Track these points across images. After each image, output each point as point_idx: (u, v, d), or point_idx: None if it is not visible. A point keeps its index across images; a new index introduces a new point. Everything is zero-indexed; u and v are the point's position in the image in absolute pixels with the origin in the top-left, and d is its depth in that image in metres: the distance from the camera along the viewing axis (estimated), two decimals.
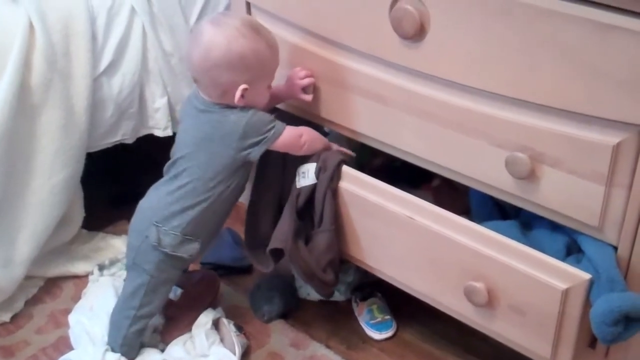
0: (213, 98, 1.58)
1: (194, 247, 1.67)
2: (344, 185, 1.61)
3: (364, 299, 1.93)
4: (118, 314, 1.74)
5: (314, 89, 1.67)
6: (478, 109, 1.39)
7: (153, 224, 1.64)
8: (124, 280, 1.87)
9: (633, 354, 1.39)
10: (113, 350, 1.73)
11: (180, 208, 1.63)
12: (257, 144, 1.57)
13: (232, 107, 1.57)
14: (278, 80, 1.69)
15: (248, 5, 1.74)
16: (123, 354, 1.72)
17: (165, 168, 1.68)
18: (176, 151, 1.66)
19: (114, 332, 1.74)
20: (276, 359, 1.81)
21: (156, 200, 1.67)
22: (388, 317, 1.88)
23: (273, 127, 1.58)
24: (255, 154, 1.59)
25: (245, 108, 1.57)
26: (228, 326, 1.80)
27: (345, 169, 1.63)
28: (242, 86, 1.54)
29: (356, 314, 1.93)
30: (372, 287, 1.94)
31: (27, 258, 1.92)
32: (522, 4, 1.23)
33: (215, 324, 1.82)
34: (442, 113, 1.45)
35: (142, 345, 1.78)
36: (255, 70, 1.54)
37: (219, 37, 1.52)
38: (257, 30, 1.54)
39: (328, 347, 1.85)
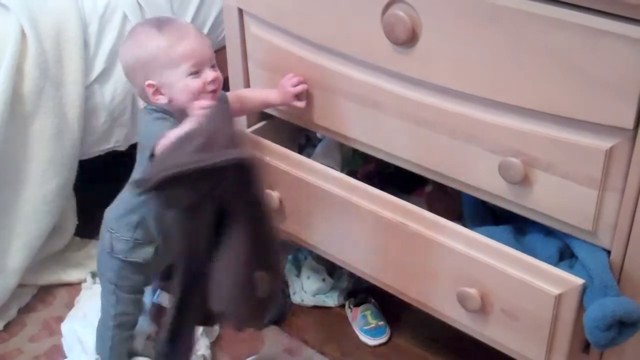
0: (143, 100, 1.57)
1: (147, 251, 1.64)
2: (336, 190, 1.61)
3: (357, 304, 1.93)
4: (100, 326, 1.73)
5: (306, 95, 1.67)
6: (471, 114, 1.39)
7: (108, 230, 1.63)
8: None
9: (627, 358, 1.39)
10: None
11: (125, 212, 1.61)
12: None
13: (157, 110, 1.53)
14: (270, 87, 1.69)
15: (240, 12, 1.74)
16: None
17: None
18: None
19: (100, 344, 1.73)
20: None
21: (114, 207, 1.65)
22: (382, 322, 1.88)
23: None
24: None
25: (153, 112, 1.52)
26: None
27: (337, 174, 1.63)
28: (146, 82, 1.49)
29: (350, 319, 1.93)
30: (365, 292, 1.94)
31: (20, 266, 1.92)
32: (512, 9, 1.23)
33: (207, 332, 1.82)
34: (434, 118, 1.45)
35: (135, 354, 1.78)
36: (148, 62, 1.49)
37: (120, 49, 1.56)
38: (150, 24, 1.52)
39: (322, 353, 1.85)
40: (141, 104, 2.05)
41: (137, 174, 1.58)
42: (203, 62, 1.50)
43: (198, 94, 1.50)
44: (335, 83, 1.60)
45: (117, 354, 1.72)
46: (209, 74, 1.50)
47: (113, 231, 1.62)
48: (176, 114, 1.51)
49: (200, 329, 1.81)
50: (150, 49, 1.49)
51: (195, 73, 1.49)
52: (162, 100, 1.50)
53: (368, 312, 1.90)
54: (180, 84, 1.49)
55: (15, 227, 1.90)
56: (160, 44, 1.48)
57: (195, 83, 1.49)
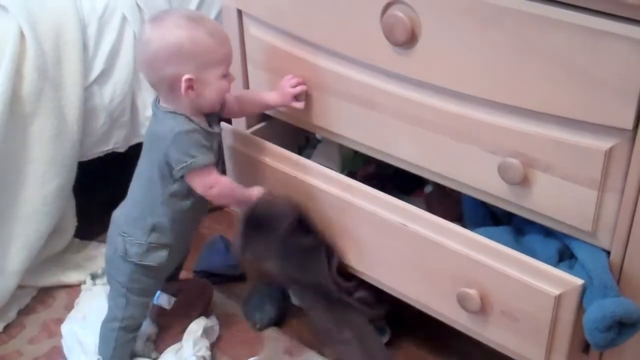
0: (164, 97, 1.55)
1: (161, 254, 1.65)
2: (335, 192, 1.61)
3: None
4: (104, 327, 1.73)
5: (305, 96, 1.67)
6: (470, 115, 1.39)
7: (120, 234, 1.64)
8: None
9: (627, 359, 1.39)
10: None
11: (141, 217, 1.62)
12: (177, 161, 1.53)
13: (178, 113, 1.53)
14: (269, 88, 1.69)
15: (239, 13, 1.74)
16: None
17: None
18: None
19: (103, 345, 1.73)
20: None
21: (125, 210, 1.66)
22: (382, 323, 1.88)
23: (195, 156, 1.52)
24: (175, 172, 1.54)
25: (189, 120, 1.53)
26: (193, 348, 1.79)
27: (337, 175, 1.63)
28: (186, 76, 1.49)
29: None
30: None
31: (19, 268, 1.91)
32: (512, 9, 1.23)
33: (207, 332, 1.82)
34: (434, 119, 1.45)
35: (135, 355, 1.78)
36: (196, 58, 1.50)
37: (155, 32, 1.50)
38: (194, 19, 1.51)
39: (322, 354, 1.84)
40: (141, 104, 2.05)
41: (145, 165, 1.61)
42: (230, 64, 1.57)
43: (224, 94, 1.57)
44: (334, 84, 1.60)
45: (120, 355, 1.72)
46: (232, 76, 1.57)
47: (126, 235, 1.63)
48: (190, 112, 1.54)
49: (200, 330, 1.81)
50: (201, 44, 1.50)
51: (226, 74, 1.55)
52: (191, 95, 1.51)
53: None
54: (215, 84, 1.54)
55: (15, 229, 1.90)
56: (207, 41, 1.50)
57: (225, 85, 1.56)
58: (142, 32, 1.54)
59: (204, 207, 1.68)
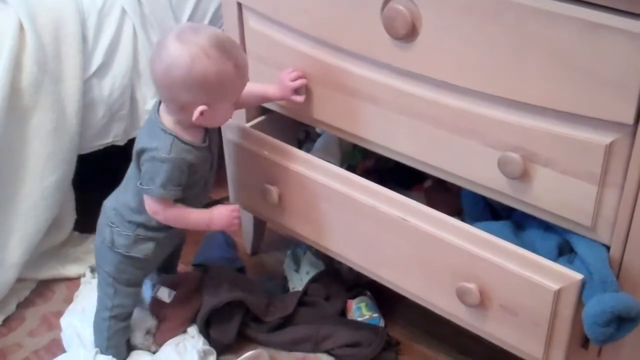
0: (171, 111, 1.54)
1: (148, 246, 1.65)
2: (335, 186, 1.61)
3: (353, 297, 1.93)
4: (96, 318, 1.74)
5: (305, 90, 1.67)
6: (470, 109, 1.39)
7: (108, 224, 1.64)
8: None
9: (625, 354, 1.39)
10: (98, 350, 1.72)
11: (129, 211, 1.62)
12: (142, 177, 1.54)
13: (172, 135, 1.52)
14: (270, 81, 1.69)
15: (239, 6, 1.74)
16: (113, 356, 1.72)
17: None
18: None
19: (97, 336, 1.74)
20: None
21: (114, 201, 1.66)
22: (376, 314, 1.88)
23: (154, 187, 1.52)
24: (139, 183, 1.56)
25: (180, 141, 1.52)
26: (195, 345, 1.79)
27: (336, 169, 1.63)
28: (201, 108, 1.48)
29: (345, 311, 1.93)
30: (363, 286, 1.94)
31: (18, 261, 1.91)
32: (513, 3, 1.23)
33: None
34: (434, 113, 1.45)
35: (135, 348, 1.78)
36: (216, 92, 1.49)
37: (183, 55, 1.44)
38: (224, 49, 1.47)
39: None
40: (141, 98, 2.05)
41: (134, 163, 1.59)
42: None
43: (229, 118, 1.61)
44: (334, 78, 1.60)
45: (114, 345, 1.72)
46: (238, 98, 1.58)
47: (114, 225, 1.63)
48: (188, 128, 1.55)
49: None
50: (225, 80, 1.49)
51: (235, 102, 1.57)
52: (200, 121, 1.51)
53: (363, 304, 1.90)
54: (225, 112, 1.57)
55: (14, 222, 1.89)
56: (231, 76, 1.49)
57: (233, 110, 1.58)
58: (165, 48, 1.47)
59: (196, 204, 1.67)
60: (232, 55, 1.48)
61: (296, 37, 1.64)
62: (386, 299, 1.89)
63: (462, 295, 1.46)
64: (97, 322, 1.73)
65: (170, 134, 1.52)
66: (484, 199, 1.55)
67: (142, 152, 1.55)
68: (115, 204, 1.65)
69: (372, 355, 1.77)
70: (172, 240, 1.75)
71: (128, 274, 1.68)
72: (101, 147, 2.07)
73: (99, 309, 1.73)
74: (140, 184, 1.55)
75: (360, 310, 1.89)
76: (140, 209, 1.60)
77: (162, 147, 1.51)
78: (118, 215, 1.63)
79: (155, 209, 1.57)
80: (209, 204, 1.67)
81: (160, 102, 1.57)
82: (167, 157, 1.51)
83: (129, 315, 1.75)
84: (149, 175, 1.53)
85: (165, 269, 1.89)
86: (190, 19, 2.10)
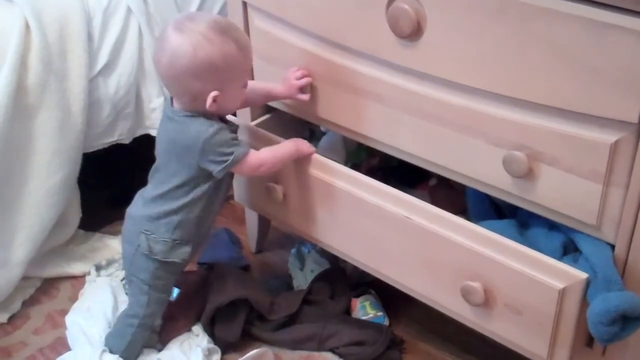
0: (184, 103, 1.54)
1: (185, 250, 1.66)
2: (340, 184, 1.61)
3: (357, 295, 1.93)
4: (122, 321, 1.74)
5: (310, 88, 1.67)
6: (475, 108, 1.39)
7: (142, 232, 1.64)
8: (123, 285, 1.88)
9: (630, 353, 1.39)
10: (112, 352, 1.73)
11: (165, 214, 1.62)
12: (216, 163, 1.54)
13: (196, 116, 1.53)
14: (275, 80, 1.69)
15: (244, 5, 1.74)
16: (125, 358, 1.72)
17: (150, 174, 1.67)
18: (156, 157, 1.65)
19: (117, 339, 1.73)
20: (274, 358, 1.81)
21: (142, 208, 1.65)
22: (380, 313, 1.88)
23: (232, 152, 1.54)
24: (217, 173, 1.55)
25: (210, 120, 1.53)
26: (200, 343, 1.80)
27: (341, 168, 1.63)
28: (213, 93, 1.49)
29: (349, 310, 1.93)
30: (367, 285, 1.94)
31: (24, 259, 1.92)
32: (518, 2, 1.23)
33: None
34: (439, 112, 1.45)
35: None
36: (225, 74, 1.50)
37: (184, 44, 1.45)
38: (224, 31, 1.48)
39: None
40: (146, 96, 2.05)
41: (172, 168, 1.59)
42: None
43: (241, 101, 1.62)
44: (339, 76, 1.60)
45: (131, 351, 1.73)
46: (247, 80, 1.59)
47: (149, 232, 1.63)
48: (207, 114, 1.55)
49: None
50: (231, 60, 1.49)
51: (246, 83, 1.57)
52: (214, 107, 1.52)
53: (367, 303, 1.90)
54: (237, 94, 1.57)
55: (20, 220, 1.90)
56: (236, 57, 1.50)
57: (244, 92, 1.59)
58: (166, 40, 1.48)
59: (222, 198, 1.69)
60: (233, 36, 1.49)
61: (301, 35, 1.64)
62: (390, 298, 1.89)
63: (466, 294, 1.45)
64: (122, 327, 1.73)
65: (195, 115, 1.53)
66: (488, 197, 1.55)
67: (188, 148, 1.53)
68: (145, 212, 1.64)
69: (377, 353, 1.77)
70: (203, 241, 1.77)
71: (163, 280, 1.69)
72: (106, 146, 2.08)
73: (128, 314, 1.73)
74: (223, 168, 1.54)
75: (365, 308, 1.89)
76: (170, 211, 1.60)
77: (202, 129, 1.52)
78: (152, 222, 1.63)
79: (253, 163, 1.57)
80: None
81: (171, 101, 1.58)
82: (212, 131, 1.52)
83: (153, 325, 1.76)
84: (216, 154, 1.53)
85: None
86: None
